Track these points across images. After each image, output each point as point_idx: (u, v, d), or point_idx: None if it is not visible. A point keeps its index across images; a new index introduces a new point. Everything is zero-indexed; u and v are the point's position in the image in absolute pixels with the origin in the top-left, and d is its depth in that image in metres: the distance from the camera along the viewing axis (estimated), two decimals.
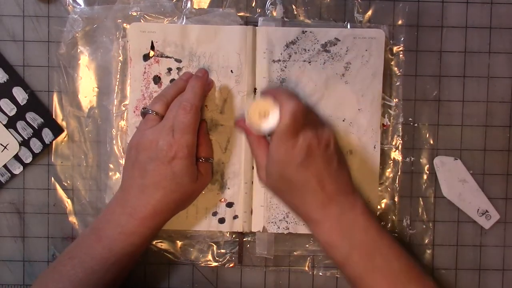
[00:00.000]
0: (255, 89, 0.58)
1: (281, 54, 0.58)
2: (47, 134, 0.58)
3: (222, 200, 0.58)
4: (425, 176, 0.60)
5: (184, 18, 0.58)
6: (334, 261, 0.52)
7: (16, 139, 0.58)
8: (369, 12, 0.59)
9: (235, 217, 0.59)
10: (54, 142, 0.59)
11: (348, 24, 0.58)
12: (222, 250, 0.60)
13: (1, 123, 0.58)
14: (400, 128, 0.60)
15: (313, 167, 0.50)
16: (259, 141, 0.54)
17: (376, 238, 0.51)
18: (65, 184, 0.59)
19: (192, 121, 0.51)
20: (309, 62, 0.58)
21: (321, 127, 0.52)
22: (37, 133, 0.58)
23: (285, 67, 0.58)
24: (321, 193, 0.50)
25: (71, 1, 0.58)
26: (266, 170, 0.53)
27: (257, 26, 0.58)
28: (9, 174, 0.58)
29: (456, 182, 0.60)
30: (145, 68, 0.57)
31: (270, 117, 0.51)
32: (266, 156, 0.52)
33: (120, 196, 0.52)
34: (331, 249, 0.51)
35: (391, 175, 0.60)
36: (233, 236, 0.60)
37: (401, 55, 0.59)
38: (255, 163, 0.55)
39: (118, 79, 0.58)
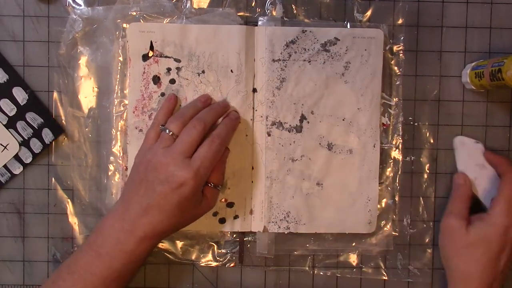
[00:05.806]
0: (254, 88, 0.58)
1: (281, 53, 0.58)
2: (47, 134, 0.58)
3: (223, 200, 0.58)
4: (425, 176, 0.60)
5: (184, 18, 0.58)
6: None
7: (16, 139, 0.58)
8: (369, 12, 0.59)
9: (236, 217, 0.58)
10: (54, 142, 0.59)
11: (348, 23, 0.58)
12: (223, 250, 0.60)
13: (1, 123, 0.58)
14: (400, 128, 0.59)
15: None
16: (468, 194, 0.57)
17: None
18: (65, 184, 0.59)
19: (215, 156, 0.52)
20: (309, 61, 0.58)
21: None
22: (37, 133, 0.58)
23: (285, 67, 0.58)
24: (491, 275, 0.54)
25: (71, 1, 0.58)
26: (471, 225, 0.55)
27: (256, 25, 0.58)
28: (9, 174, 0.58)
29: (473, 165, 0.58)
30: (144, 68, 0.57)
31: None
32: (467, 209, 0.56)
33: (121, 210, 0.52)
34: None
35: (392, 174, 0.60)
36: (234, 236, 0.60)
37: (401, 55, 0.59)
38: (450, 207, 0.57)
39: (118, 79, 0.58)
